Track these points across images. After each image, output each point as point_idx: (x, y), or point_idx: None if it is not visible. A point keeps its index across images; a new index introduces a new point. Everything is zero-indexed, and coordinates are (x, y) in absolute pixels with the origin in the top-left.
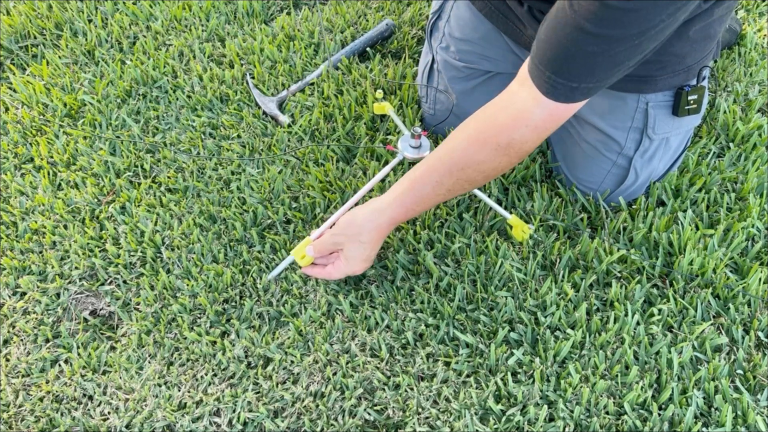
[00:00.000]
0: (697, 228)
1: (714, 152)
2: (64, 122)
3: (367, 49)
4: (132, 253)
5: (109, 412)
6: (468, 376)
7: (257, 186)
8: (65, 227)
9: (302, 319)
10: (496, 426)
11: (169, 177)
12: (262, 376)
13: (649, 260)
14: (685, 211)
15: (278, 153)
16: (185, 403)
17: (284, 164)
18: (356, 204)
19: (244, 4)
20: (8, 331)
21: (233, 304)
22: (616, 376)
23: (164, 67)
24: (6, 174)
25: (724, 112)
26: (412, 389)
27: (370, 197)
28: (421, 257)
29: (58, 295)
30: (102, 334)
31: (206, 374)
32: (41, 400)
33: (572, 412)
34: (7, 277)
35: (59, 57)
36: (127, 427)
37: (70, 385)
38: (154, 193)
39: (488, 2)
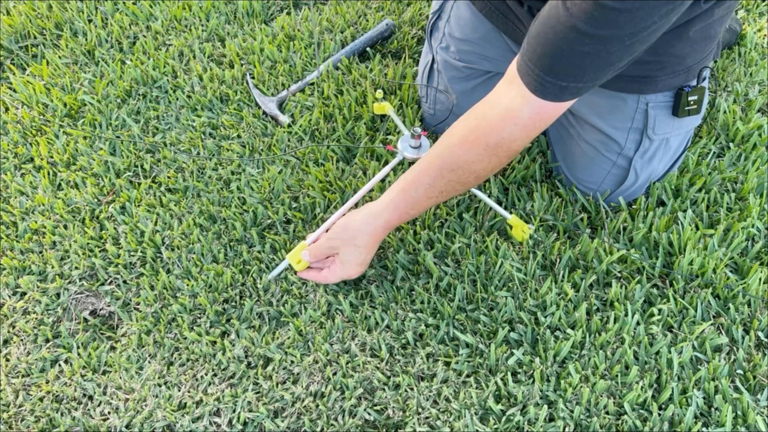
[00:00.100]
0: (697, 228)
1: (714, 152)
2: (64, 122)
3: (367, 49)
4: (132, 253)
5: (109, 412)
6: (468, 376)
7: (257, 186)
8: (65, 227)
9: (302, 319)
10: (496, 426)
11: (169, 177)
12: (262, 376)
13: (649, 260)
14: (685, 211)
15: (278, 153)
16: (185, 403)
17: (284, 164)
18: (356, 204)
19: (244, 4)
20: (8, 331)
21: (233, 304)
22: (616, 376)
23: (164, 67)
24: (6, 174)
25: (724, 112)
26: (412, 389)
27: (370, 197)
28: (421, 257)
29: (58, 295)
30: (102, 334)
31: (206, 374)
32: (41, 400)
33: (572, 412)
34: (7, 277)
35: (59, 57)
36: (127, 427)
37: (70, 385)
38: (154, 193)
39: (488, 2)
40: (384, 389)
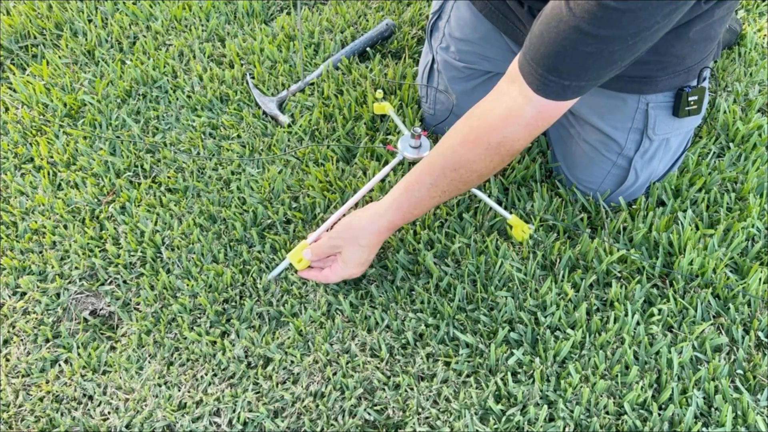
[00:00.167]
0: (697, 228)
1: (714, 152)
2: (64, 122)
3: (367, 49)
4: (132, 253)
5: (109, 412)
6: (468, 376)
7: (257, 186)
8: (65, 227)
9: (302, 319)
10: (496, 426)
11: (169, 177)
12: (262, 376)
13: (649, 260)
14: (685, 211)
15: (278, 153)
16: (185, 403)
17: (284, 164)
18: (356, 204)
19: (244, 4)
20: (8, 331)
21: (233, 304)
22: (616, 376)
23: (164, 67)
24: (6, 174)
25: (724, 112)
26: (412, 389)
27: (370, 197)
28: (421, 257)
29: (58, 295)
30: (102, 334)
31: (206, 374)
32: (41, 400)
33: (572, 412)
34: (7, 277)
35: (59, 57)
36: (127, 427)
37: (70, 385)
38: (154, 193)
39: (488, 2)
40: (384, 389)
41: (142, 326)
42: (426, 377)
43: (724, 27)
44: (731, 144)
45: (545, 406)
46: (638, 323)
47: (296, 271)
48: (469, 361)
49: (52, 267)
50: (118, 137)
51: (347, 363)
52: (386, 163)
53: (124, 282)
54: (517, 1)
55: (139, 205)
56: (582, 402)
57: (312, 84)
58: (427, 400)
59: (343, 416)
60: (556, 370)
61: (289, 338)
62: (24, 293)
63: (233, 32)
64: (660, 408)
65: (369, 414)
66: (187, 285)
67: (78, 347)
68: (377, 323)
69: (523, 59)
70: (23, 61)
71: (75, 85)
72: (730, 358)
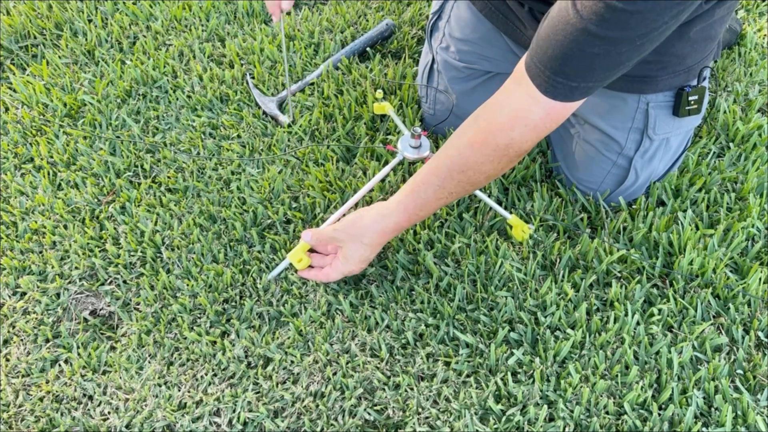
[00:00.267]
0: (697, 228)
1: (714, 152)
2: (64, 122)
3: (367, 49)
4: (132, 253)
5: (109, 412)
6: (468, 376)
7: (257, 186)
8: (65, 227)
9: (302, 319)
10: (496, 426)
11: (169, 177)
12: (262, 376)
13: (649, 260)
14: (685, 211)
15: (278, 153)
16: (185, 403)
17: (284, 164)
18: (356, 204)
19: (244, 4)
20: (8, 331)
21: (233, 304)
22: (616, 376)
23: (164, 67)
24: (6, 174)
25: (724, 112)
26: (412, 389)
27: (371, 197)
28: (421, 257)
29: (58, 295)
30: (102, 334)
31: (206, 374)
32: (41, 400)
33: (572, 412)
34: (7, 277)
35: (59, 57)
36: (127, 427)
37: (70, 385)
38: (154, 193)
39: (488, 2)
40: (384, 389)
41: (142, 326)
42: (426, 377)
43: (725, 27)
44: (731, 144)
45: (545, 406)
46: (638, 323)
47: (296, 271)
48: (469, 361)
49: (52, 267)
50: (118, 137)
51: (347, 363)
52: (386, 163)
53: (124, 282)
54: (518, 2)
55: (139, 205)
56: (582, 402)
57: (312, 84)
58: (427, 400)
59: (343, 416)
60: (556, 370)
61: (289, 338)
62: (24, 293)
63: (233, 32)
64: (660, 408)
65: (369, 414)
66: (187, 285)
67: (78, 347)
68: (377, 323)
69: (530, 61)
70: (23, 61)
71: (75, 85)
72: (730, 358)
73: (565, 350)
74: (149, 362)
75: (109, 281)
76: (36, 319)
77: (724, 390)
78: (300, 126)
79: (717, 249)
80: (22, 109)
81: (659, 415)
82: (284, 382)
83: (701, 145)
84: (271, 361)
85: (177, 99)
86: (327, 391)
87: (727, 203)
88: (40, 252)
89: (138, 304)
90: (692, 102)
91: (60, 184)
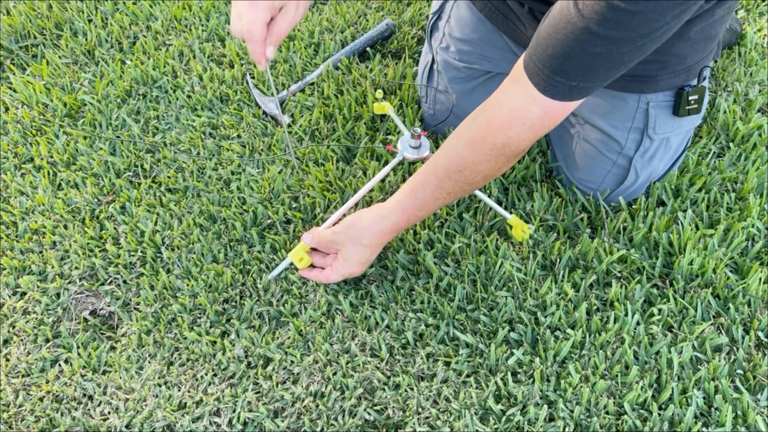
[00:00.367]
0: (697, 228)
1: (714, 152)
2: (64, 122)
3: (367, 49)
4: (132, 253)
5: (109, 412)
6: (468, 376)
7: (257, 186)
8: (65, 227)
9: (302, 319)
10: (496, 426)
11: (169, 177)
12: (262, 376)
13: (649, 260)
14: (685, 211)
15: (278, 153)
16: (185, 403)
17: (284, 164)
18: (356, 204)
19: None
20: (8, 331)
21: (233, 304)
22: (616, 376)
23: (164, 67)
24: (6, 174)
25: (724, 112)
26: (412, 389)
27: (371, 197)
28: (421, 257)
29: (58, 295)
30: (102, 334)
31: (206, 374)
32: (41, 400)
33: (572, 412)
34: (7, 277)
35: (59, 57)
36: (127, 427)
37: (70, 385)
38: (154, 193)
39: (489, 3)
40: (384, 389)
41: (142, 326)
42: (426, 377)
43: (725, 26)
44: (731, 144)
45: (545, 406)
46: (638, 323)
47: (297, 270)
48: (469, 361)
49: (52, 267)
50: (118, 137)
51: (347, 363)
52: (386, 163)
53: (124, 282)
54: (518, 2)
55: (139, 205)
56: (582, 402)
57: (312, 84)
58: (427, 400)
59: (343, 416)
60: (556, 370)
61: (289, 338)
62: (24, 293)
63: None
64: (660, 408)
65: (369, 414)
66: (187, 285)
67: (78, 347)
68: (377, 323)
69: (529, 60)
70: (23, 61)
71: (75, 85)
72: (730, 358)
73: (565, 350)
74: (149, 362)
75: (109, 281)
76: (36, 319)
77: (724, 390)
78: (300, 126)
79: (717, 249)
80: (22, 109)
81: (659, 415)
82: (284, 382)
83: (701, 145)
84: (271, 361)
85: (177, 99)
86: (327, 391)
87: (727, 203)
88: (40, 252)
89: (138, 304)
90: (692, 102)
91: (60, 184)
